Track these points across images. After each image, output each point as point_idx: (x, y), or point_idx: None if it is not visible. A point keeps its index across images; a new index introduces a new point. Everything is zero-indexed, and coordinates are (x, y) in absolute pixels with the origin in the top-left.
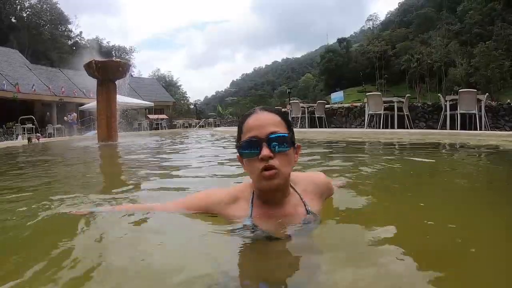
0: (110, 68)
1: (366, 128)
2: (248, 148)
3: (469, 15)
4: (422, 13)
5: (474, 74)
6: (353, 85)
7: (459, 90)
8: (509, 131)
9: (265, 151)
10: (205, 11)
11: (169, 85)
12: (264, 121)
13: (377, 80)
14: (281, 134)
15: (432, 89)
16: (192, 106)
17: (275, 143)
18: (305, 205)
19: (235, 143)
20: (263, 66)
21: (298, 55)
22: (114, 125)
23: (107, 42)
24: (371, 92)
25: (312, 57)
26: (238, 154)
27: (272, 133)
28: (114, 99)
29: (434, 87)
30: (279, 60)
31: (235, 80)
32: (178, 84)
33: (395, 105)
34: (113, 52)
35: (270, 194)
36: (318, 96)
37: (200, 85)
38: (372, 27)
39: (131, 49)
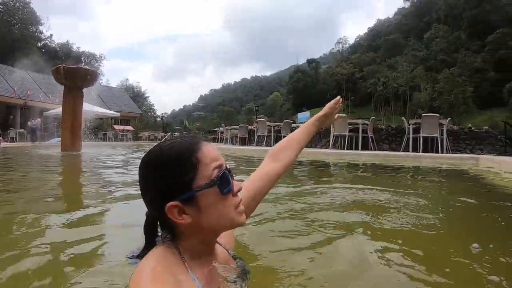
0: (78, 75)
1: (331, 149)
2: (226, 181)
3: (435, 43)
4: (391, 39)
5: (437, 99)
6: (320, 105)
7: (422, 115)
8: (469, 153)
9: (239, 183)
10: (177, 24)
11: (137, 96)
12: (217, 151)
13: (343, 102)
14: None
15: (397, 112)
16: (159, 119)
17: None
18: (226, 249)
19: (176, 186)
20: (232, 83)
21: (267, 73)
22: (78, 134)
23: (77, 47)
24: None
25: (281, 76)
26: (182, 200)
27: None
28: (80, 107)
29: (399, 110)
30: (248, 77)
31: (203, 95)
32: (146, 95)
33: (360, 127)
34: (82, 58)
35: (214, 244)
36: (285, 115)
37: (168, 98)
38: (341, 50)
39: (101, 57)
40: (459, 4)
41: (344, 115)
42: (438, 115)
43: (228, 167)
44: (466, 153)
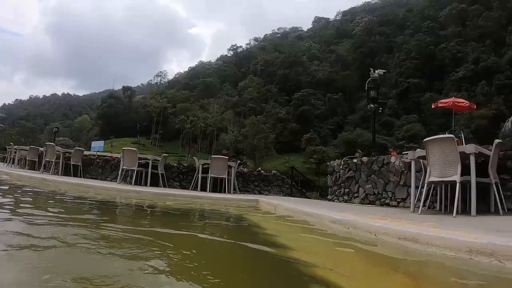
0: None
1: (119, 183)
2: None
3: (247, 91)
4: (208, 81)
5: (242, 141)
6: (129, 135)
7: (212, 156)
8: (257, 194)
9: None
10: None
11: None
12: None
13: (152, 134)
14: None
15: (203, 150)
16: None
17: None
18: None
19: None
20: (41, 96)
21: (80, 93)
22: None
23: None
24: (128, 147)
25: (93, 99)
26: None
27: None
28: None
29: (205, 149)
30: (59, 93)
31: (6, 104)
32: None
33: (150, 162)
34: None
35: None
36: (90, 141)
37: None
38: (159, 83)
39: None
40: (275, 63)
41: (134, 149)
42: (226, 157)
43: None
44: (255, 193)
